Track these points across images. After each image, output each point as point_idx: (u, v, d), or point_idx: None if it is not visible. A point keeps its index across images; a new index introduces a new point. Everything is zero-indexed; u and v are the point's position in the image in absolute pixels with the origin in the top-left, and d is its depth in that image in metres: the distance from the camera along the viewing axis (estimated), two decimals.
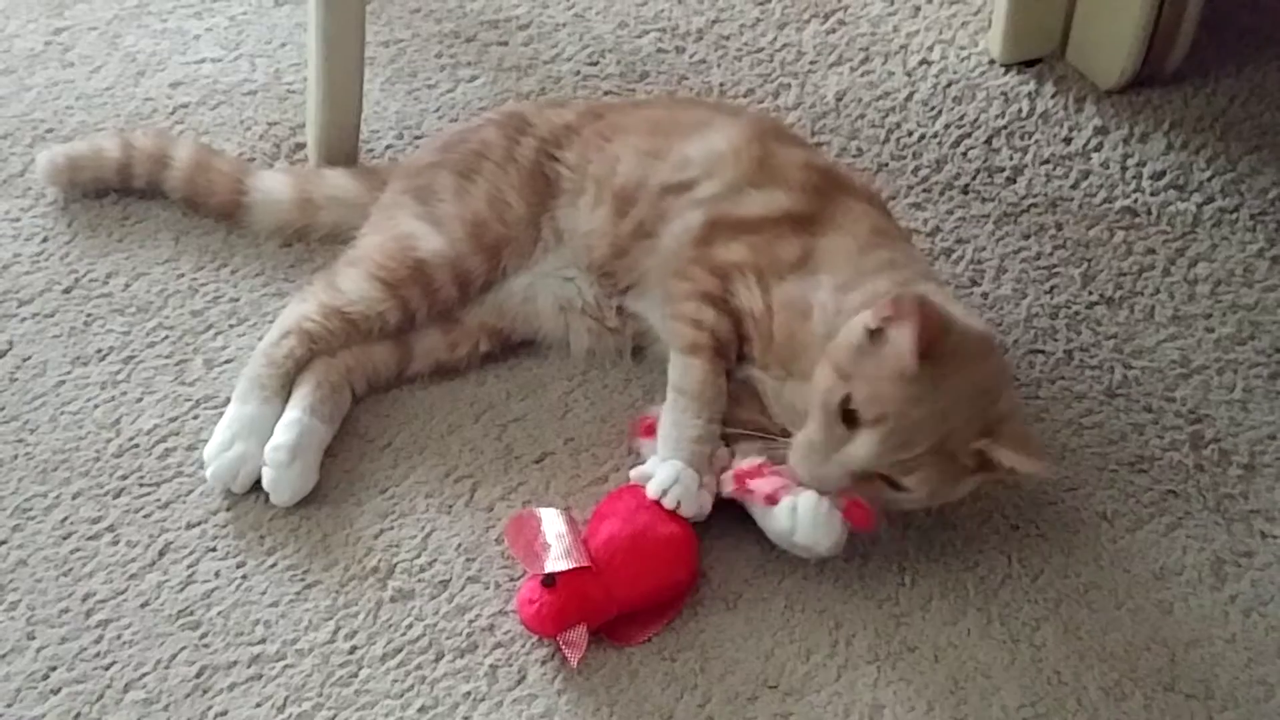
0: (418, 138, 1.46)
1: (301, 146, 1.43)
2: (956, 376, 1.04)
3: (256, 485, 1.12)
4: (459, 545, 1.11)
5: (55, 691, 1.00)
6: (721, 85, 1.56)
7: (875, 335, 1.05)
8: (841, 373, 1.05)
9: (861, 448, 1.04)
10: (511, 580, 1.08)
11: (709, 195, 1.20)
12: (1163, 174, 1.51)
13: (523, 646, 1.05)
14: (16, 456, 1.14)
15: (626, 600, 1.05)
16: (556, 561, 1.03)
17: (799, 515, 1.07)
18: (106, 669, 1.02)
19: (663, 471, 1.09)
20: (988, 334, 1.13)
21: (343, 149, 1.39)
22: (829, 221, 1.19)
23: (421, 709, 1.01)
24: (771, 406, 1.16)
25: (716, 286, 1.17)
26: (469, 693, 1.02)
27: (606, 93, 1.54)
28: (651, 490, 1.08)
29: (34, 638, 1.03)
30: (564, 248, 1.23)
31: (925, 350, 1.01)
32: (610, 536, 1.06)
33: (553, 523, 1.07)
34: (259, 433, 1.12)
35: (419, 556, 1.10)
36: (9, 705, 0.99)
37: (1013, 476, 1.07)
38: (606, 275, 1.23)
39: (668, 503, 1.08)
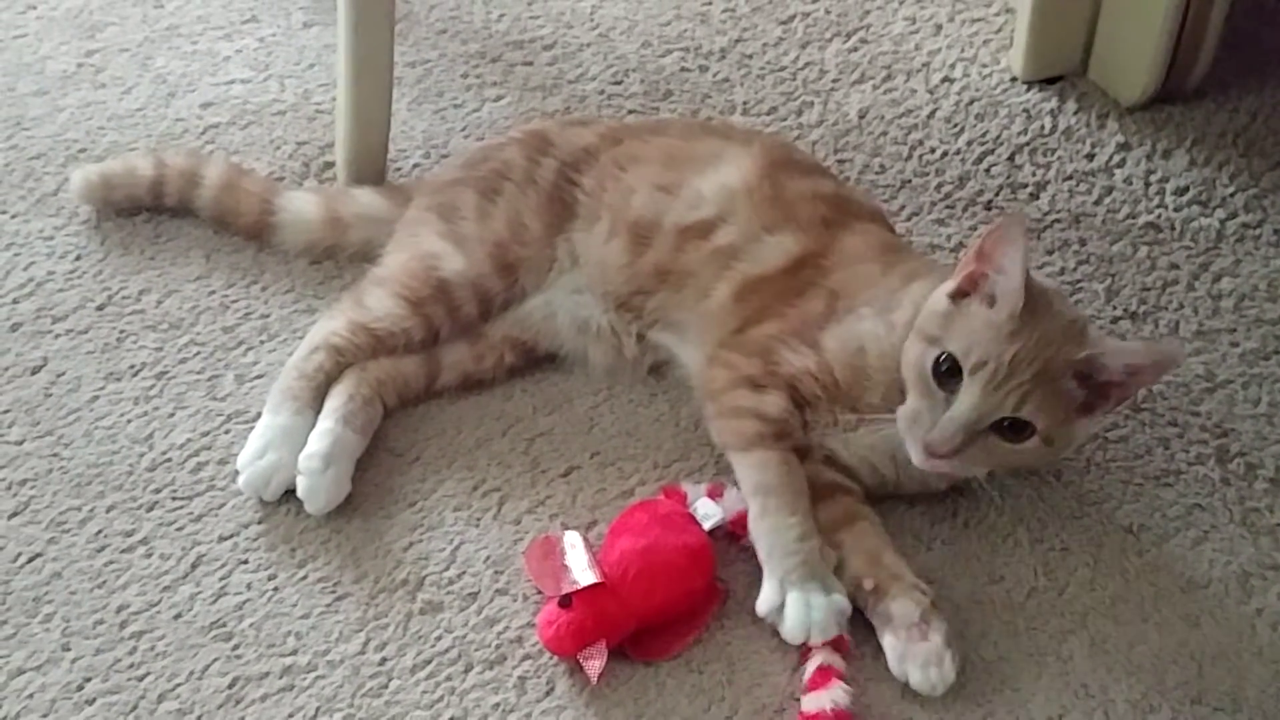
0: (444, 156, 1.47)
1: (330, 165, 1.45)
2: (1043, 313, 1.04)
3: (287, 498, 1.13)
4: (487, 558, 1.12)
5: (90, 702, 1.02)
6: (745, 104, 1.58)
7: (958, 299, 1.06)
8: (930, 338, 1.06)
9: (966, 399, 1.03)
10: (539, 593, 1.09)
11: (727, 245, 1.20)
12: (1186, 189, 1.51)
13: (550, 659, 1.06)
14: (51, 470, 1.16)
15: (644, 613, 1.06)
16: (571, 581, 1.04)
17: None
18: (140, 680, 1.03)
19: (790, 611, 1.05)
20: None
21: (371, 168, 1.41)
22: (842, 253, 1.19)
23: (452, 719, 1.02)
24: (849, 460, 1.15)
25: (758, 366, 1.15)
26: (498, 704, 1.03)
27: (630, 112, 1.55)
28: (792, 637, 1.05)
29: (69, 649, 1.05)
30: (579, 270, 1.24)
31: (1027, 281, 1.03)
32: (623, 552, 1.07)
33: (569, 545, 1.08)
34: (291, 442, 1.14)
35: (448, 569, 1.11)
36: (45, 716, 1.01)
37: (1131, 387, 1.06)
38: (626, 308, 1.24)
39: (814, 641, 1.04)
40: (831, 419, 1.14)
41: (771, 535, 1.08)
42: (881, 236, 1.23)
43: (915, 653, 1.05)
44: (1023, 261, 1.03)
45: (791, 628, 1.05)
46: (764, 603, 1.07)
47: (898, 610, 1.06)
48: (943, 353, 1.04)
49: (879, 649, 1.07)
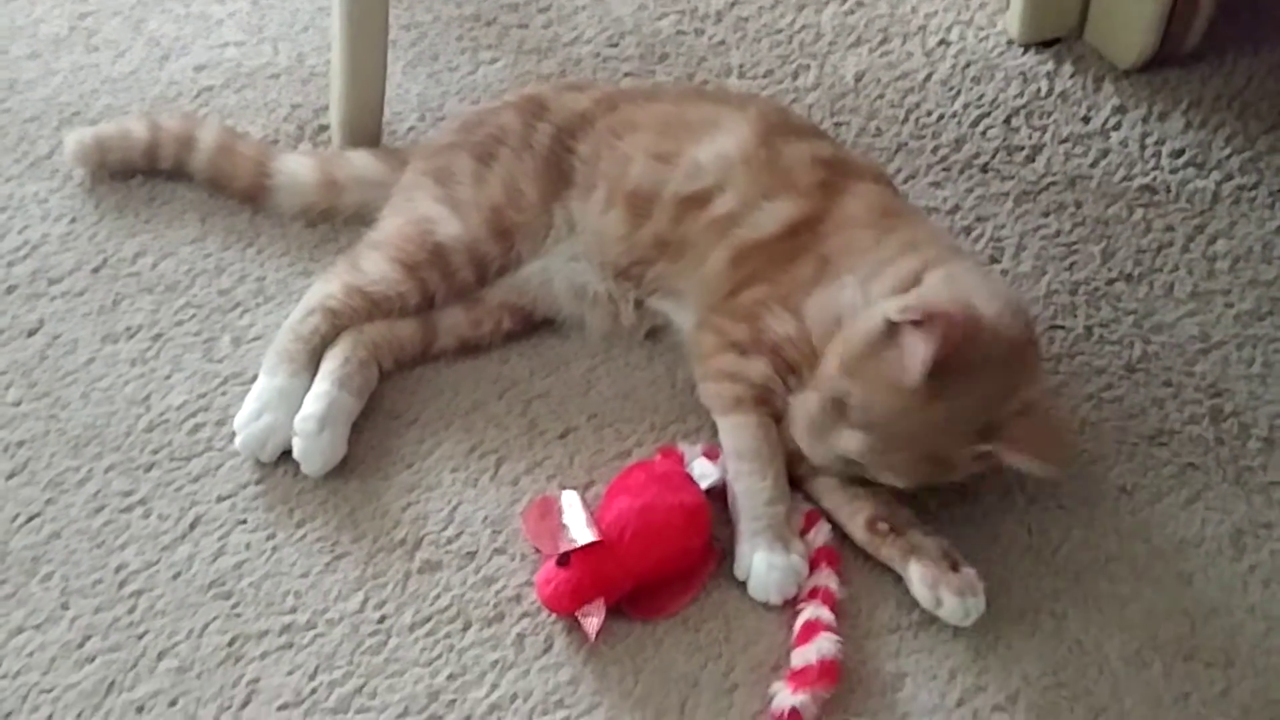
0: (439, 119, 1.47)
1: (325, 128, 1.44)
2: (962, 390, 1.03)
3: (284, 459, 1.14)
4: (485, 518, 1.13)
5: (90, 660, 1.02)
6: (741, 67, 1.57)
7: (893, 330, 1.04)
8: (846, 368, 1.06)
9: (849, 442, 1.06)
10: (537, 553, 1.10)
11: (726, 214, 1.20)
12: (1181, 152, 1.51)
13: (549, 616, 1.06)
14: (49, 432, 1.16)
15: (641, 571, 1.06)
16: (569, 540, 1.05)
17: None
18: (140, 638, 1.03)
19: (754, 571, 1.07)
20: (1016, 335, 1.08)
21: (366, 131, 1.40)
22: (839, 217, 1.19)
23: (450, 676, 1.03)
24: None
25: (744, 331, 1.16)
26: (496, 661, 1.04)
27: (626, 75, 1.55)
28: (755, 595, 1.07)
29: (68, 608, 1.05)
30: (575, 238, 1.24)
31: (934, 368, 1.00)
32: (621, 511, 1.08)
33: (566, 505, 1.09)
34: (287, 404, 1.14)
35: (446, 529, 1.12)
36: (44, 673, 1.01)
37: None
38: (624, 277, 1.24)
39: (774, 600, 1.07)
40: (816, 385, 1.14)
41: (743, 498, 1.11)
42: (881, 200, 1.22)
43: (950, 581, 1.06)
44: (925, 361, 0.99)
45: (753, 587, 1.08)
46: (738, 566, 1.09)
47: (924, 543, 1.08)
48: (846, 392, 1.06)
49: (874, 605, 1.08)
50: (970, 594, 1.06)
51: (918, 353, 1.00)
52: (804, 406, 1.09)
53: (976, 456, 1.05)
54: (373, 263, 1.23)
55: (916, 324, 1.02)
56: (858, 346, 1.06)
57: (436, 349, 1.24)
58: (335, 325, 1.20)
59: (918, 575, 1.07)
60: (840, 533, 1.12)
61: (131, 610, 1.05)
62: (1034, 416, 1.07)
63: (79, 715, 0.99)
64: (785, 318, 1.15)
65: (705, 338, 1.19)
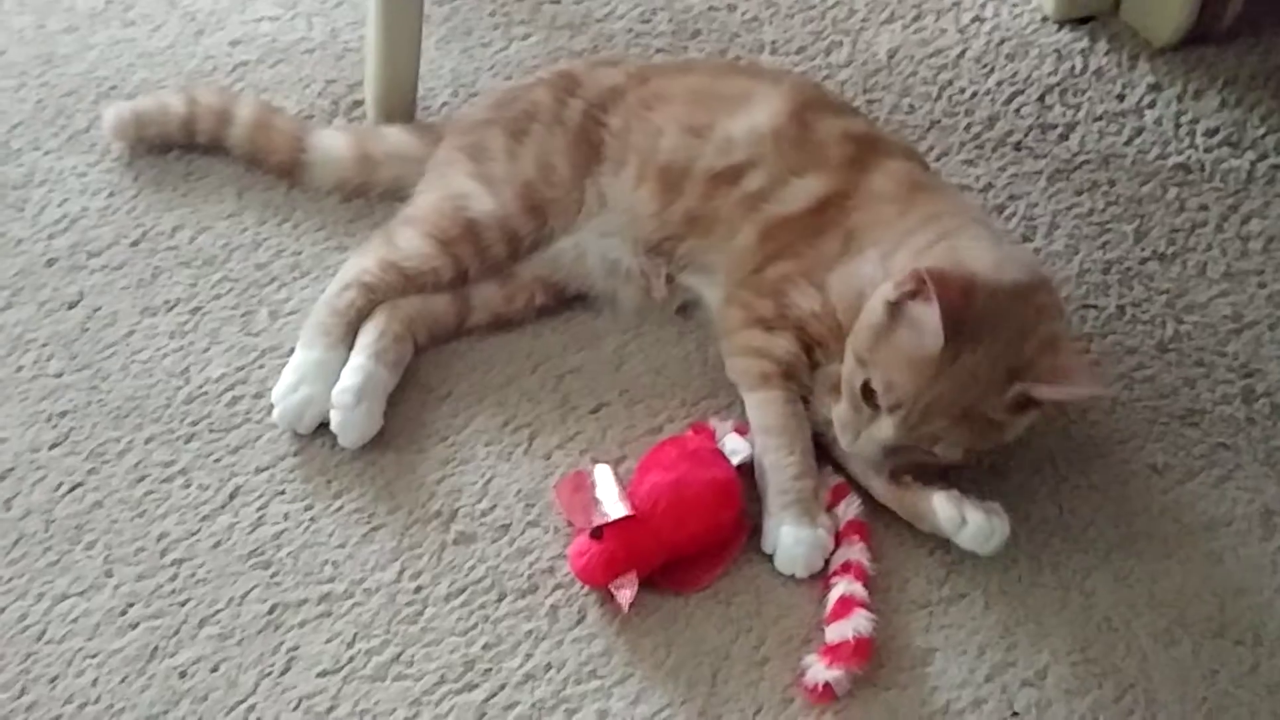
0: (473, 95, 1.47)
1: (359, 104, 1.45)
2: (979, 343, 1.03)
3: (321, 432, 1.15)
4: (519, 491, 1.14)
5: (134, 626, 1.04)
6: (773, 43, 1.57)
7: (894, 309, 1.05)
8: (860, 358, 1.07)
9: (884, 429, 1.06)
10: (570, 526, 1.11)
11: (756, 190, 1.20)
12: (1216, 131, 1.51)
13: (582, 588, 1.08)
14: (90, 403, 1.18)
15: (673, 545, 1.07)
16: (602, 513, 1.06)
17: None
18: (182, 605, 1.05)
19: (780, 545, 1.08)
20: (1020, 279, 1.07)
21: (401, 106, 1.41)
22: (866, 193, 1.19)
23: (485, 646, 1.04)
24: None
25: (770, 307, 1.17)
26: (530, 631, 1.05)
27: (658, 51, 1.55)
28: (782, 569, 1.08)
29: (111, 575, 1.07)
30: (608, 213, 1.25)
31: (949, 324, 1.00)
32: (653, 485, 1.09)
33: (599, 478, 1.10)
34: (325, 377, 1.15)
35: (480, 502, 1.13)
36: (89, 639, 1.03)
37: (1066, 406, 1.07)
38: (656, 253, 1.24)
39: (800, 574, 1.08)
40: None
41: (770, 473, 1.11)
42: (910, 175, 1.22)
43: (974, 503, 1.08)
44: (940, 318, 1.00)
45: (780, 561, 1.09)
46: (764, 540, 1.10)
47: (946, 488, 1.09)
48: (867, 380, 1.06)
49: (905, 579, 1.09)
50: (996, 515, 1.07)
51: (930, 317, 1.01)
52: (837, 414, 1.10)
53: (1012, 403, 1.04)
54: (407, 238, 1.24)
55: (913, 294, 1.03)
56: (868, 337, 1.07)
57: (470, 324, 1.25)
58: (370, 299, 1.21)
59: (940, 500, 1.08)
60: (870, 506, 1.13)
61: (173, 578, 1.07)
62: (1058, 350, 1.06)
63: (123, 680, 1.01)
64: (810, 293, 1.15)
65: (732, 313, 1.20)
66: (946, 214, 1.17)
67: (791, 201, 1.20)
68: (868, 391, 1.06)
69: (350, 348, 1.18)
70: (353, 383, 1.14)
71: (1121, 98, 1.54)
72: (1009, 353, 1.04)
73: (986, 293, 1.04)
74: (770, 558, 1.10)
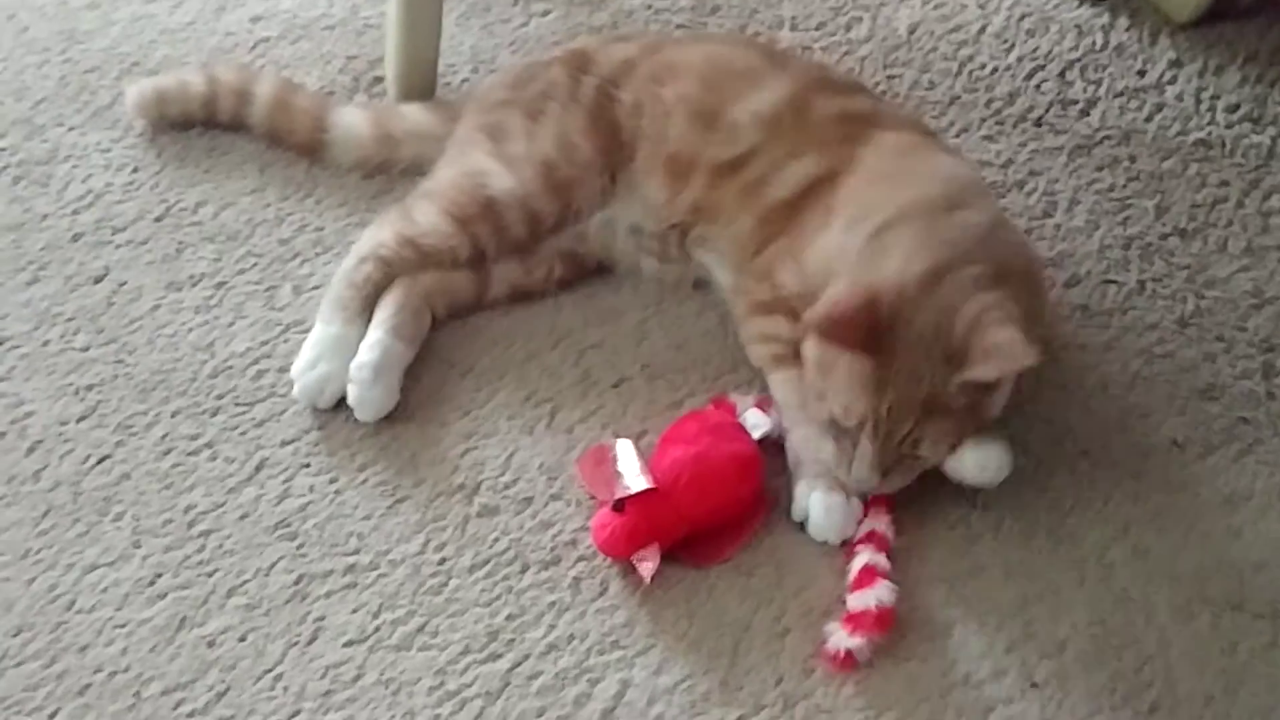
0: (492, 71, 1.48)
1: (379, 80, 1.45)
2: (907, 343, 1.04)
3: (345, 405, 1.16)
4: (541, 465, 1.15)
5: (161, 596, 1.05)
6: (793, 19, 1.57)
7: (822, 345, 1.06)
8: (819, 395, 1.08)
9: (864, 449, 1.07)
10: (593, 499, 1.12)
11: (755, 178, 1.20)
12: (1237, 107, 1.50)
13: (604, 560, 1.09)
14: (117, 376, 1.19)
15: (695, 518, 1.08)
16: (624, 487, 1.07)
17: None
18: (210, 576, 1.07)
19: (813, 513, 1.10)
20: (937, 261, 1.06)
21: (421, 83, 1.42)
22: (854, 167, 1.18)
23: (509, 617, 1.05)
24: None
25: (766, 291, 1.17)
26: (554, 603, 1.06)
27: (678, 26, 1.55)
28: (815, 535, 1.10)
29: (139, 546, 1.08)
30: (633, 199, 1.25)
31: (868, 340, 1.03)
32: (675, 459, 1.09)
33: (620, 452, 1.10)
34: (343, 352, 1.16)
35: (503, 475, 1.14)
36: (118, 608, 1.05)
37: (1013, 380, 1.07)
38: (668, 237, 1.25)
39: (832, 540, 1.09)
40: None
41: (800, 445, 1.12)
42: (900, 146, 1.20)
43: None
44: (855, 345, 1.03)
45: (812, 527, 1.10)
46: (795, 507, 1.11)
47: None
48: (830, 411, 1.07)
49: (926, 551, 1.10)
50: (992, 444, 1.08)
51: (846, 345, 1.04)
52: (830, 459, 1.09)
53: (962, 386, 1.04)
54: (424, 213, 1.24)
55: (829, 336, 1.05)
56: (814, 375, 1.08)
57: (490, 297, 1.25)
58: (387, 273, 1.21)
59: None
60: None
61: (201, 549, 1.08)
62: (984, 326, 1.04)
63: (152, 649, 1.03)
64: (791, 269, 1.15)
65: (738, 301, 1.21)
66: (910, 186, 1.15)
67: (786, 185, 1.20)
68: (835, 422, 1.08)
69: (368, 321, 1.19)
70: (370, 358, 1.15)
71: (1142, 73, 1.53)
72: (940, 340, 1.04)
73: (891, 297, 1.04)
74: (795, 528, 1.11)
